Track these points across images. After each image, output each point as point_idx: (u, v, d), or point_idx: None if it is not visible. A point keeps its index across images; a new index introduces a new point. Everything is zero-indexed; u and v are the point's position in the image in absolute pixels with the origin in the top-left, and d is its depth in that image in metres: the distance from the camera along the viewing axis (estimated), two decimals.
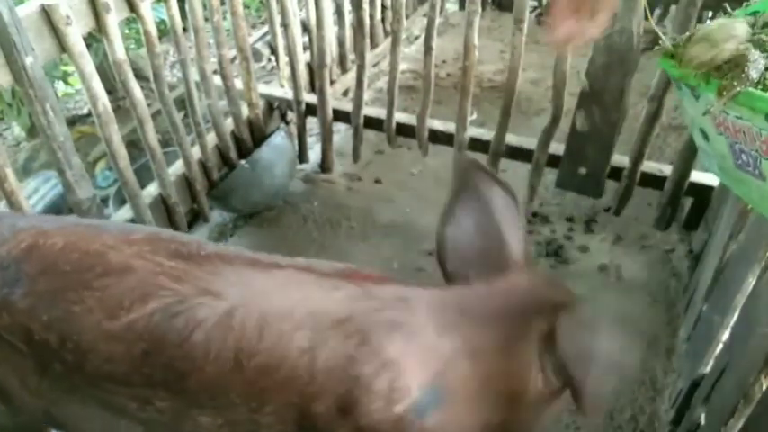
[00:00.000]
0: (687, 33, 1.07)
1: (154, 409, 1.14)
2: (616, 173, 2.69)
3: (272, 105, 3.20)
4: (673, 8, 3.85)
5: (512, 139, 2.75)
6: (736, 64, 0.91)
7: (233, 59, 3.06)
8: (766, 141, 0.90)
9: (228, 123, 2.92)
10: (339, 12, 3.32)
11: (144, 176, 2.54)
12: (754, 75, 0.89)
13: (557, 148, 2.70)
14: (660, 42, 1.08)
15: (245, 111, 2.98)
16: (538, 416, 1.17)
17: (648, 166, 2.63)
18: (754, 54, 0.91)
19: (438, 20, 2.74)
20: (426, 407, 1.01)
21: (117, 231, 1.22)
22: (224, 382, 1.09)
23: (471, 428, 1.10)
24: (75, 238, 1.18)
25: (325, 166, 3.25)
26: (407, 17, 4.41)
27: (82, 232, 1.20)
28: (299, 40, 3.01)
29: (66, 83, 3.65)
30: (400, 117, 3.01)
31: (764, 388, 1.32)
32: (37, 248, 1.17)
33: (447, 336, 1.06)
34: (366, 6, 3.29)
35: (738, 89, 0.89)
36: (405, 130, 3.00)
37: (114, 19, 2.04)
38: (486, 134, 2.82)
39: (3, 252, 1.18)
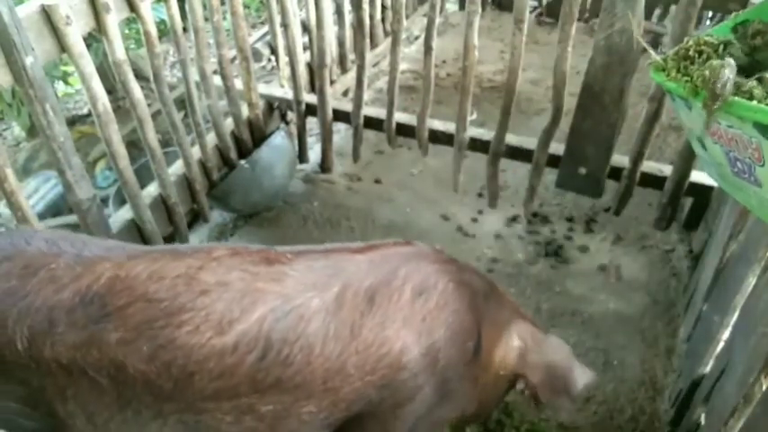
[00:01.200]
0: (676, 47, 1.08)
1: (252, 417, 1.18)
2: (616, 173, 2.69)
3: (272, 105, 3.20)
4: (673, 8, 3.85)
5: (512, 139, 2.75)
6: (712, 79, 0.93)
7: (233, 59, 3.06)
8: (757, 149, 0.92)
9: (228, 123, 2.92)
10: (339, 12, 3.33)
11: (144, 176, 2.54)
12: (722, 87, 0.92)
13: (557, 148, 2.70)
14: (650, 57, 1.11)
15: (245, 111, 2.98)
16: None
17: (648, 166, 2.63)
18: (725, 69, 0.93)
19: (438, 20, 2.74)
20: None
21: (195, 252, 1.23)
22: (342, 357, 1.19)
23: None
24: (157, 265, 1.17)
25: (325, 166, 3.25)
26: (407, 17, 4.41)
27: (163, 258, 1.20)
28: (299, 40, 3.01)
29: (66, 83, 3.65)
30: (400, 117, 3.01)
31: (764, 388, 1.32)
32: (120, 280, 1.14)
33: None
34: (366, 6, 3.30)
35: (716, 105, 0.92)
36: (405, 130, 3.00)
37: (114, 19, 2.04)
38: (486, 134, 2.82)
39: (82, 287, 1.14)
